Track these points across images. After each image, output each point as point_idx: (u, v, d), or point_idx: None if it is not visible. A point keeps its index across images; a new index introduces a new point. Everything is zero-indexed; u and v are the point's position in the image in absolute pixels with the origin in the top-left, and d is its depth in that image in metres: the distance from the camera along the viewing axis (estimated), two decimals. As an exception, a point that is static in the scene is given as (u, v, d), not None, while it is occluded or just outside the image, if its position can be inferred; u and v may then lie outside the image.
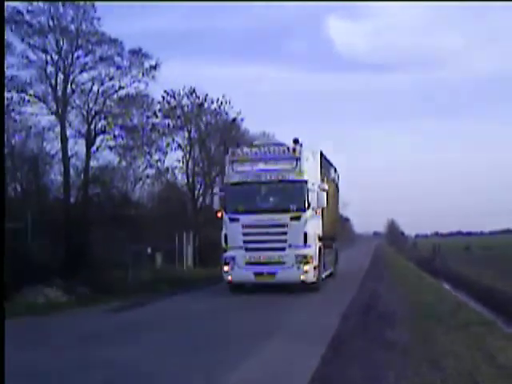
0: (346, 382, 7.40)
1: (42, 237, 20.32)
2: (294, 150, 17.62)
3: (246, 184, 17.83)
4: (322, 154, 20.55)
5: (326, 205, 18.55)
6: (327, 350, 9.14)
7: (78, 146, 24.73)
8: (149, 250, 21.36)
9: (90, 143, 24.45)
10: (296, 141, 17.79)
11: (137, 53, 25.02)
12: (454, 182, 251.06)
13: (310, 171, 18.10)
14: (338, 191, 27.25)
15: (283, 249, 17.21)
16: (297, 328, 11.64)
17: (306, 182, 17.54)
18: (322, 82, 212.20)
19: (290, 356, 8.92)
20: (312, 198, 17.67)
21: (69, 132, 23.84)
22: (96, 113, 24.38)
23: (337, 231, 26.29)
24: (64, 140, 23.50)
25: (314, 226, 17.93)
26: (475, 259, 44.17)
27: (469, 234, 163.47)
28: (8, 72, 22.73)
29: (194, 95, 32.76)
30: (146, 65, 25.16)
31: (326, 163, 21.93)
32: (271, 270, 17.22)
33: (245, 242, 17.48)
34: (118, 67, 24.54)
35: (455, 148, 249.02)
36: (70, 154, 23.94)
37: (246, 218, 17.55)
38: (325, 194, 18.61)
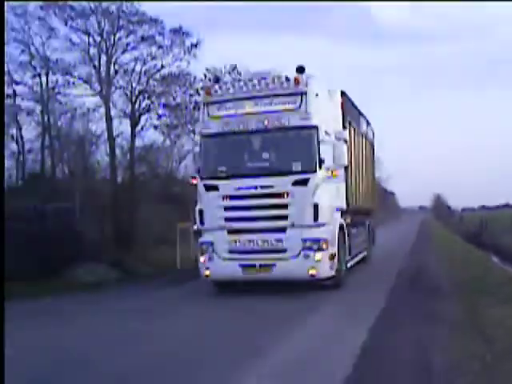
0: (395, 353, 7.44)
1: (92, 216, 20.83)
2: (297, 81, 12.08)
3: (227, 135, 12.60)
4: (344, 93, 14.89)
5: (346, 162, 12.99)
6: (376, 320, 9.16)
7: (122, 126, 25.10)
8: (195, 227, 21.57)
9: (134, 123, 24.72)
10: (300, 69, 12.20)
11: (178, 31, 25.06)
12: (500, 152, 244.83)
13: (323, 114, 12.56)
14: (374, 151, 21.24)
15: (283, 229, 12.07)
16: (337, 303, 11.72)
17: (315, 127, 12.08)
18: (362, 56, 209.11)
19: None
20: (326, 151, 12.18)
21: (113, 112, 24.15)
22: (140, 92, 24.60)
23: (372, 203, 20.46)
24: (109, 120, 23.81)
25: (329, 193, 12.48)
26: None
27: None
28: (53, 55, 23.24)
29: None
30: (187, 43, 25.21)
31: (351, 109, 16.06)
32: (266, 261, 12.14)
33: (227, 219, 12.41)
34: (160, 46, 24.65)
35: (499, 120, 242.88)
36: (115, 134, 24.31)
37: (227, 186, 12.36)
38: (345, 146, 13.07)
